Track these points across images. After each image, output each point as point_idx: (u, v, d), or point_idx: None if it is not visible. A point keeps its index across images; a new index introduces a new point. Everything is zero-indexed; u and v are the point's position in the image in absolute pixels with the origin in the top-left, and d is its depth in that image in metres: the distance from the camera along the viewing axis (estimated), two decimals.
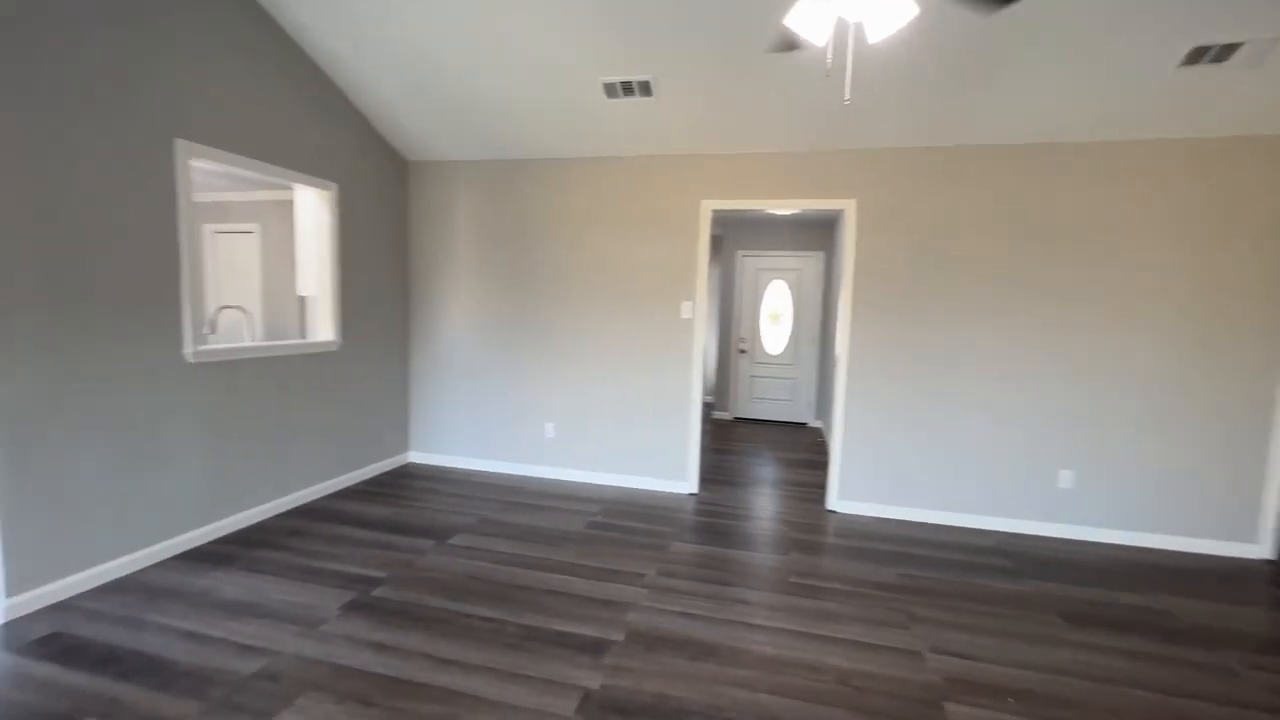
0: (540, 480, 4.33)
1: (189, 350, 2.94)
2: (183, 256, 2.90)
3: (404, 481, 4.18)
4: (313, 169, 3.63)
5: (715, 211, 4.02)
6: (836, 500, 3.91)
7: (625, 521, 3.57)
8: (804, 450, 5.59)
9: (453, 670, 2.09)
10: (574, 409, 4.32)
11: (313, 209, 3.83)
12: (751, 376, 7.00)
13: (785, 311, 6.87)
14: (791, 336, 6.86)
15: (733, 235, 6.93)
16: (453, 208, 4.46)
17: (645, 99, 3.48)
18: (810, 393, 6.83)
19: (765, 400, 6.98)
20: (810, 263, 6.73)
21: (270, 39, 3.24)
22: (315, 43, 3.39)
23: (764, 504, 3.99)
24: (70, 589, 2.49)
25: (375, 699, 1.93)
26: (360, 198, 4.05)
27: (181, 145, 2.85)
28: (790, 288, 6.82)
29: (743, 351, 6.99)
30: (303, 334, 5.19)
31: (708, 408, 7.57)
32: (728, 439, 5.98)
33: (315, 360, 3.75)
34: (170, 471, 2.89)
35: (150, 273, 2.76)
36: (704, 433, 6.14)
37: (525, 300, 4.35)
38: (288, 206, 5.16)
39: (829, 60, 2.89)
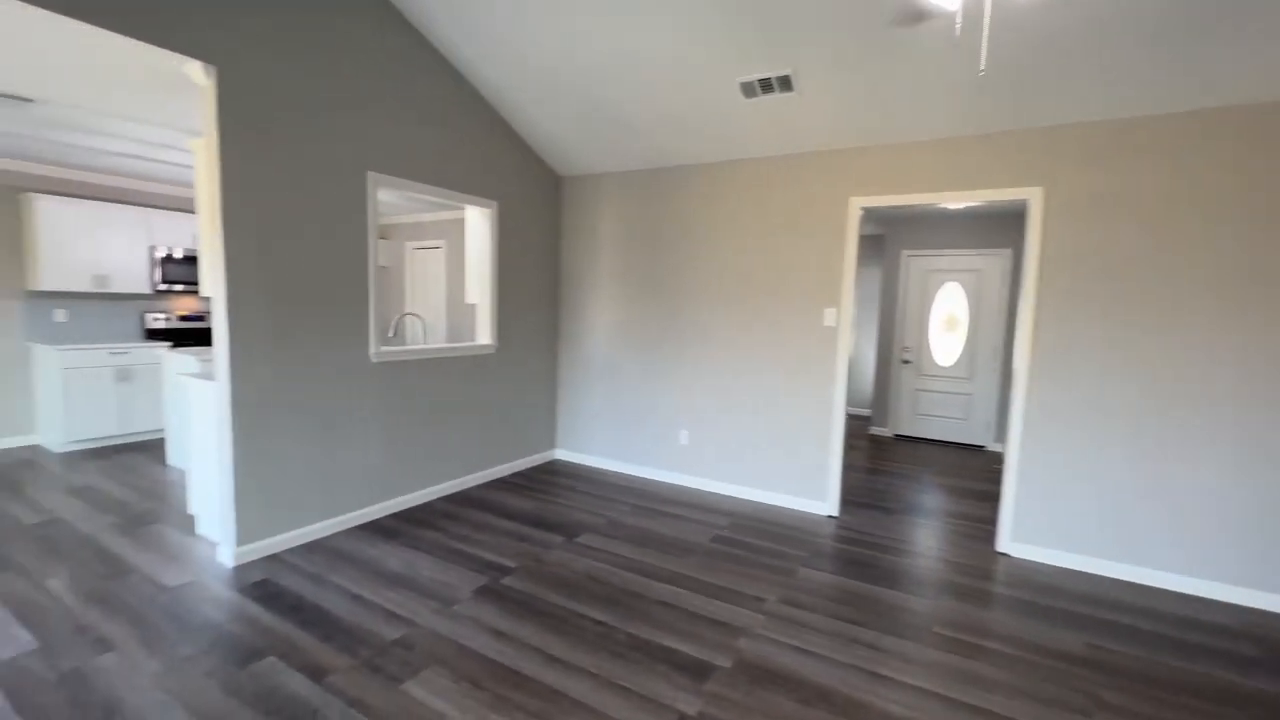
0: (673, 487, 4.33)
1: (373, 351, 3.44)
2: (370, 272, 3.40)
3: (547, 477, 4.46)
4: (476, 189, 4.04)
5: (867, 209, 3.67)
6: (1009, 541, 3.33)
7: (753, 539, 3.41)
8: (976, 478, 4.87)
9: (557, 669, 2.16)
10: (708, 417, 4.25)
11: (477, 225, 4.27)
12: (917, 390, 6.29)
13: (961, 318, 6.06)
14: (967, 346, 6.03)
15: (897, 234, 6.30)
16: (597, 218, 4.66)
17: (785, 95, 3.30)
18: (989, 410, 5.93)
19: (933, 417, 6.22)
20: (993, 262, 5.85)
21: (441, 75, 3.67)
22: (478, 75, 3.77)
23: (917, 536, 3.55)
24: (281, 545, 3.06)
25: (485, 683, 2.06)
26: (517, 213, 4.41)
27: (371, 176, 3.35)
28: (967, 291, 6.00)
29: (906, 362, 6.31)
30: (473, 338, 5.81)
31: (862, 422, 6.98)
32: (884, 458, 5.44)
33: (475, 362, 4.16)
34: (357, 454, 3.41)
35: (347, 286, 3.28)
36: (855, 449, 5.66)
37: (663, 307, 4.39)
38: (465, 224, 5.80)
39: (958, 25, 2.48)
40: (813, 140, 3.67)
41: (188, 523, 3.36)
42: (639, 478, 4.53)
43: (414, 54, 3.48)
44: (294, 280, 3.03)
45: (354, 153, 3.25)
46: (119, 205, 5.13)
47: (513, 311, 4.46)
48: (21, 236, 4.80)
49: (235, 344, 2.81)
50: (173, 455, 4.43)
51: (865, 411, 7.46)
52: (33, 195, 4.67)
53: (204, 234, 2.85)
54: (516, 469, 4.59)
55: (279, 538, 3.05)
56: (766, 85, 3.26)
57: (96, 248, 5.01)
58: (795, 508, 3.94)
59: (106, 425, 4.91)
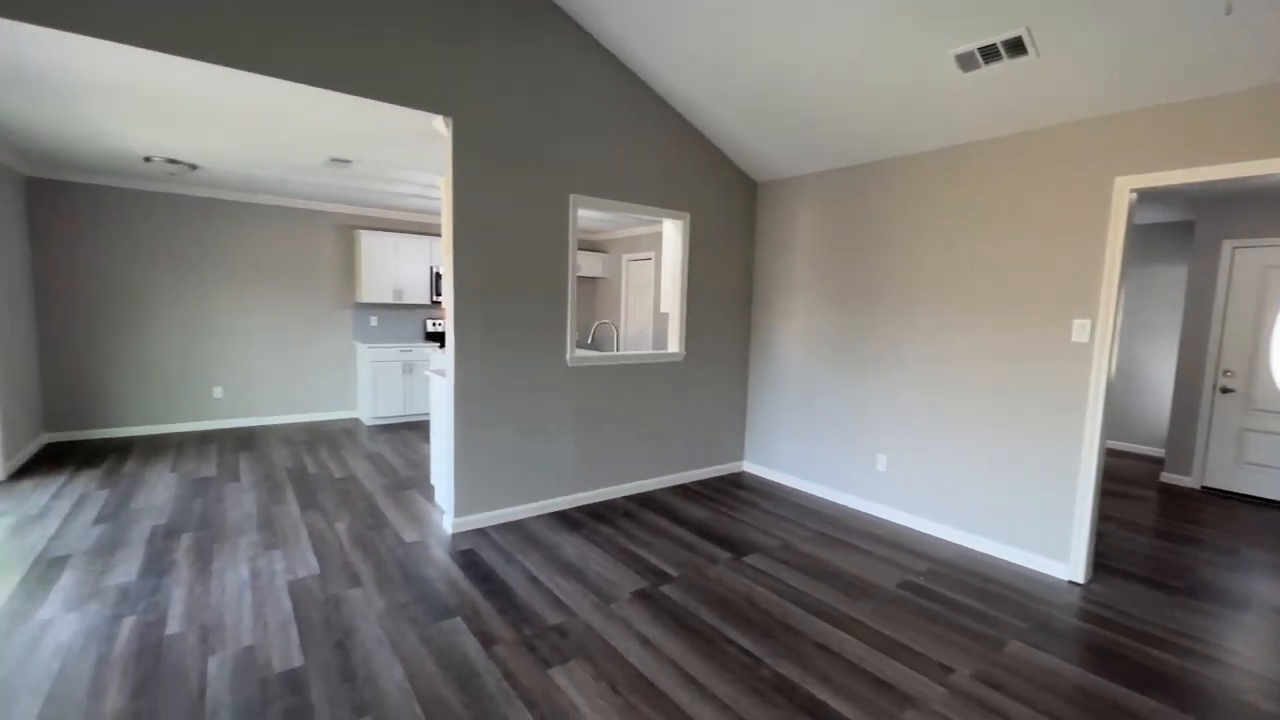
0: (865, 517, 3.89)
1: (568, 357, 3.79)
2: (569, 284, 3.75)
3: (730, 489, 4.38)
4: (668, 202, 4.17)
5: (1143, 191, 2.82)
6: None
7: (954, 593, 2.88)
8: None
9: (692, 691, 2.10)
10: (912, 442, 3.72)
11: (670, 237, 4.40)
12: (1243, 429, 4.62)
13: None
14: None
15: (1214, 219, 4.71)
16: (793, 224, 4.43)
17: (1015, 60, 2.72)
18: None
19: (1269, 469, 4.50)
20: None
21: (636, 94, 3.88)
22: (671, 89, 3.89)
23: (1212, 632, 2.60)
24: (487, 521, 3.55)
25: (620, 688, 2.10)
26: (709, 223, 4.43)
27: (573, 199, 3.70)
28: None
29: (1227, 390, 4.68)
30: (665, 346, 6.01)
31: (1151, 466, 5.40)
32: (1179, 516, 4.11)
33: (664, 369, 4.30)
34: (553, 449, 3.79)
35: (549, 297, 3.67)
36: (1133, 501, 4.40)
37: (862, 317, 3.98)
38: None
39: None
40: (1056, 112, 2.95)
41: (430, 492, 4.13)
42: (827, 501, 4.17)
43: (610, 76, 3.74)
44: (505, 292, 3.49)
45: (559, 177, 3.62)
46: (411, 235, 6.55)
47: (703, 321, 4.49)
48: (353, 262, 6.44)
49: (459, 347, 3.36)
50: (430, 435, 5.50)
51: (1156, 452, 5.74)
52: (359, 230, 6.23)
53: (444, 255, 3.47)
54: (701, 477, 4.61)
55: (486, 514, 3.55)
56: (990, 53, 2.73)
57: (397, 269, 6.47)
58: (1020, 563, 3.22)
59: (396, 407, 6.30)
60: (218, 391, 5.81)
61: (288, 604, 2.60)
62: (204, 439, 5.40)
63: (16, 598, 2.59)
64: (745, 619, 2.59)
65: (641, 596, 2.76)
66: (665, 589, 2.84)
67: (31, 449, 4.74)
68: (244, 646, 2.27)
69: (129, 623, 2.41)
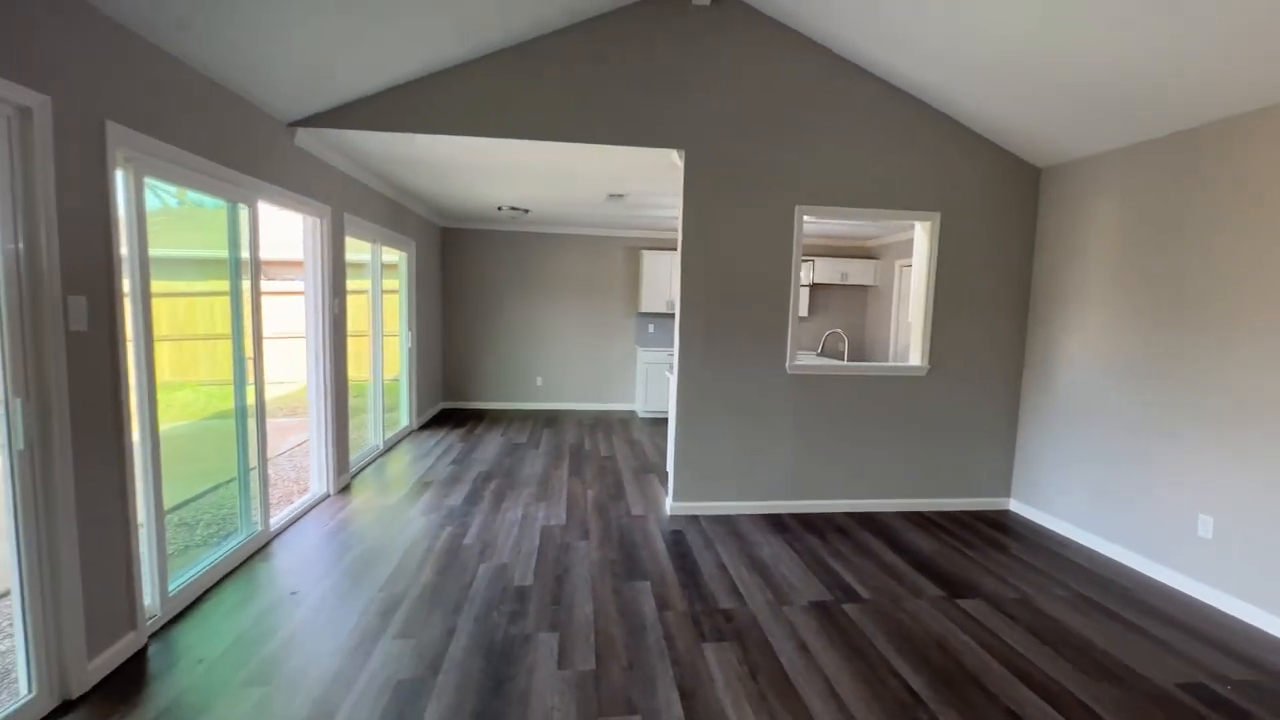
0: (1166, 591, 2.93)
1: (788, 364, 3.87)
2: (792, 292, 3.83)
3: (979, 527, 3.79)
4: (913, 202, 3.86)
5: None
6: None
7: None
8: None
9: (830, 705, 2.05)
10: (1256, 504, 2.67)
11: (920, 240, 4.05)
12: None
13: None
14: None
15: None
16: (1086, 215, 3.59)
17: None
18: None
19: None
20: None
21: (874, 94, 3.72)
22: (918, 83, 3.62)
23: None
24: (700, 510, 3.89)
25: (760, 678, 2.19)
26: (966, 222, 3.92)
27: (798, 210, 3.78)
28: None
29: None
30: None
31: None
32: None
33: (901, 384, 3.99)
34: (771, 454, 3.92)
35: (769, 304, 3.83)
36: None
37: (1184, 335, 3.01)
38: None
39: None
40: None
41: (665, 477, 4.68)
42: (1115, 562, 3.26)
43: (837, 81, 3.69)
44: (727, 299, 3.79)
45: (783, 190, 3.75)
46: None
47: (955, 333, 3.99)
48: (637, 277, 7.56)
49: (682, 349, 3.79)
50: None
51: None
52: (643, 250, 7.30)
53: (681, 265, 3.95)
54: (945, 508, 4.09)
55: (700, 504, 3.90)
56: None
57: (671, 282, 7.35)
58: None
59: (661, 402, 7.16)
60: (539, 380, 7.55)
61: (537, 541, 3.39)
62: (527, 416, 7.10)
63: (400, 501, 4.00)
64: (925, 658, 2.34)
65: (818, 607, 2.73)
66: (847, 607, 2.73)
67: (433, 411, 7.00)
68: (501, 563, 3.10)
69: (447, 530, 3.52)
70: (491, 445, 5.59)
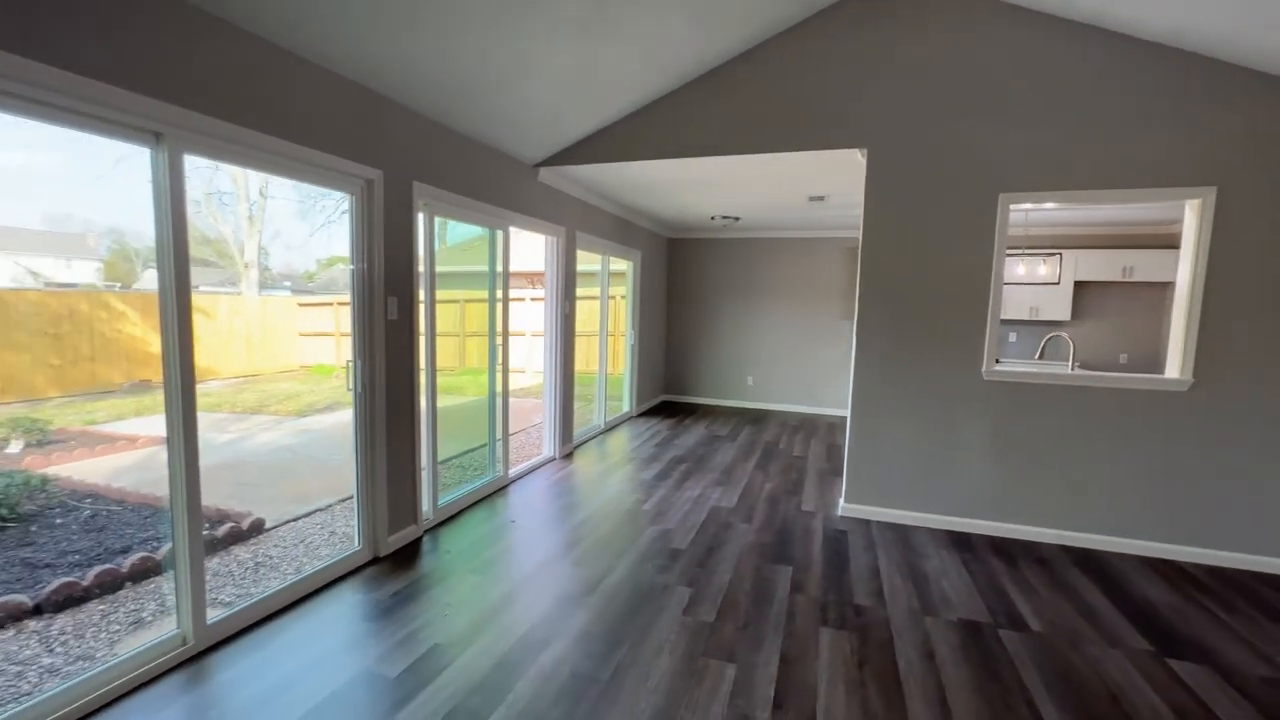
0: None
1: (984, 369, 3.51)
2: (991, 290, 3.48)
3: (1267, 593, 2.91)
4: (1171, 178, 3.15)
5: None
6: None
7: None
8: None
9: (936, 717, 2.00)
10: None
11: (1188, 223, 3.27)
12: None
13: None
14: None
15: None
16: None
17: None
18: None
19: None
20: None
21: (1102, 50, 3.15)
22: (1170, 28, 2.98)
23: None
24: (871, 514, 3.78)
25: (866, 671, 2.22)
26: (1257, 195, 3.03)
27: (1003, 198, 3.42)
28: None
29: None
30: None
31: None
32: None
33: (1150, 400, 3.28)
34: (961, 466, 3.61)
35: (964, 303, 3.54)
36: None
37: None
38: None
39: None
40: None
41: None
42: None
43: (1060, 45, 3.21)
44: (911, 298, 3.62)
45: (983, 180, 3.43)
46: None
47: (1234, 337, 3.12)
48: (855, 279, 7.31)
49: (860, 349, 3.75)
50: None
51: None
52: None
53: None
54: (1211, 561, 3.21)
55: (873, 509, 3.78)
56: None
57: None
58: None
59: None
60: (750, 379, 7.85)
61: (703, 516, 3.77)
62: (735, 413, 7.47)
63: (604, 469, 4.78)
64: (1083, 706, 2.05)
65: (968, 625, 2.54)
66: (1006, 633, 2.48)
67: (654, 401, 7.86)
68: (667, 528, 3.56)
69: (634, 496, 4.13)
70: (694, 435, 6.12)
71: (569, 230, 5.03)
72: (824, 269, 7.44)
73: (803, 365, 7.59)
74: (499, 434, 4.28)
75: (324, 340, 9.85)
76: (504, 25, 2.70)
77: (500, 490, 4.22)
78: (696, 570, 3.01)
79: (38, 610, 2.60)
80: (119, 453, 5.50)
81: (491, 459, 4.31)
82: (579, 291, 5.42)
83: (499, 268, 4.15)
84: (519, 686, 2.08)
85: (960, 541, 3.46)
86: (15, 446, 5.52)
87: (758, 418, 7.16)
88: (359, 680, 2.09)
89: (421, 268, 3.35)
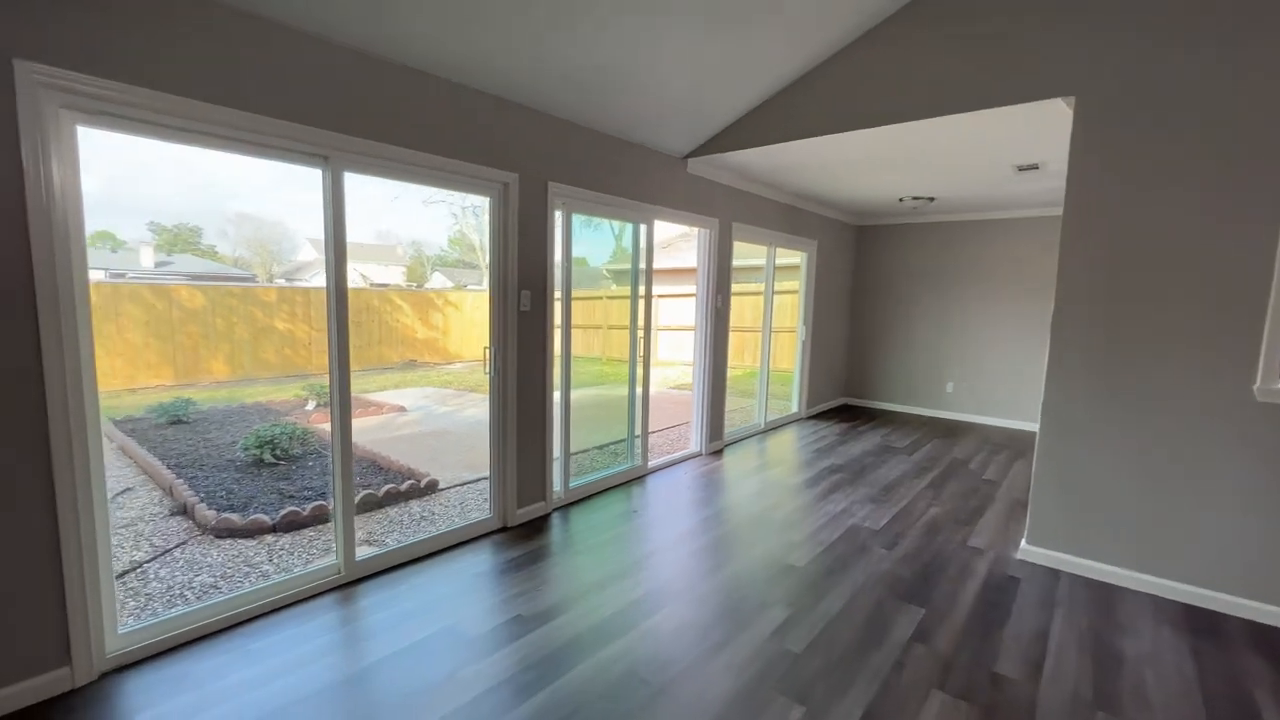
0: None
1: (1258, 387, 2.50)
2: (1275, 284, 2.46)
3: None
4: None
5: None
6: None
7: None
8: None
9: None
10: None
11: None
12: None
13: None
14: None
15: None
16: None
17: None
18: None
19: None
20: None
21: None
22: None
23: None
24: (1064, 564, 2.96)
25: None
26: None
27: None
28: None
29: None
30: None
31: None
32: None
33: None
34: (1202, 513, 2.64)
35: (1222, 295, 2.56)
36: None
37: None
38: None
39: None
40: None
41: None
42: None
43: None
44: (1130, 290, 2.74)
45: (1264, 130, 2.43)
46: None
47: None
48: None
49: (1054, 355, 2.96)
50: None
51: None
52: None
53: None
54: None
55: (1067, 557, 2.96)
56: None
57: None
58: None
59: None
60: (949, 386, 6.76)
61: (837, 534, 3.37)
62: (924, 423, 6.51)
63: (748, 470, 4.56)
64: None
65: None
66: None
67: (830, 404, 7.26)
68: (790, 540, 3.26)
69: (768, 500, 3.87)
70: (864, 444, 5.50)
71: (723, 221, 4.89)
72: (1042, 254, 6.04)
73: (1015, 371, 6.29)
74: (638, 428, 4.37)
75: (593, 332, 11.33)
76: (633, 17, 2.72)
77: (638, 479, 4.31)
78: (804, 591, 2.70)
79: (273, 529, 3.44)
80: (369, 416, 6.95)
81: (630, 449, 4.42)
82: (743, 287, 5.25)
83: (642, 263, 4.22)
84: (569, 675, 2.10)
85: (1199, 621, 2.53)
86: (310, 405, 7.36)
87: (952, 430, 6.14)
88: (445, 632, 2.33)
89: (558, 260, 3.56)
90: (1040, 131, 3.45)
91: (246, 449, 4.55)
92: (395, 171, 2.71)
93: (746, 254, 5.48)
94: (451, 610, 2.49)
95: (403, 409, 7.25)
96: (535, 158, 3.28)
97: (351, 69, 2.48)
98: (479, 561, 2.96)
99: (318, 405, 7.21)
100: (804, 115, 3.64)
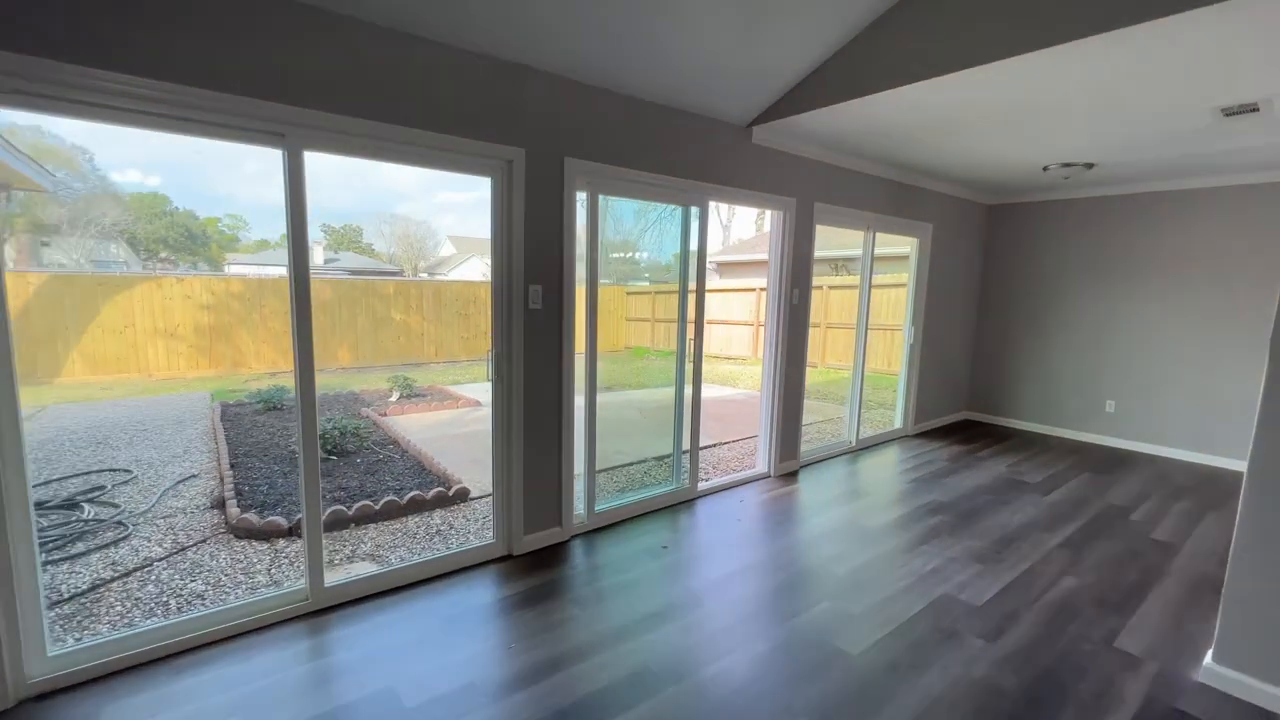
0: None
1: None
2: None
3: None
4: None
5: None
6: None
7: None
8: None
9: None
10: None
11: None
12: None
13: None
14: None
15: None
16: None
17: None
18: None
19: None
20: None
21: None
22: None
23: None
24: (1271, 699, 1.92)
25: None
26: None
27: None
28: None
29: None
30: None
31: None
32: None
33: None
34: None
35: None
36: None
37: None
38: None
39: None
40: None
41: None
42: None
43: None
44: None
45: None
46: None
47: None
48: None
49: (1267, 400, 1.93)
50: None
51: None
52: None
53: None
54: None
55: (1276, 690, 1.93)
56: None
57: None
58: None
59: None
60: (1109, 405, 5.34)
61: (918, 606, 2.55)
62: (1073, 450, 5.18)
63: (822, 503, 3.77)
64: None
65: None
66: None
67: (947, 419, 6.08)
68: (849, 612, 2.50)
69: (836, 549, 3.10)
70: (982, 474, 4.42)
71: (802, 201, 4.09)
72: (1254, 237, 4.47)
73: (1207, 389, 4.77)
74: (685, 440, 3.76)
75: (644, 325, 10.99)
76: None
77: (685, 505, 3.72)
78: (848, 700, 1.98)
79: (289, 532, 3.31)
80: (444, 410, 6.96)
81: (675, 468, 3.83)
82: (833, 280, 4.42)
83: (693, 245, 3.59)
84: None
85: None
86: (394, 396, 7.56)
87: (1109, 463, 4.80)
88: (379, 697, 1.94)
89: (582, 250, 3.06)
90: (1258, 54, 2.33)
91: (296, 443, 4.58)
92: (368, 150, 2.35)
93: (837, 243, 4.61)
94: (403, 664, 2.10)
95: (478, 403, 7.21)
96: (547, 130, 2.80)
97: (310, 33, 2.15)
98: (467, 597, 2.56)
99: (400, 396, 7.39)
100: (902, 56, 2.80)
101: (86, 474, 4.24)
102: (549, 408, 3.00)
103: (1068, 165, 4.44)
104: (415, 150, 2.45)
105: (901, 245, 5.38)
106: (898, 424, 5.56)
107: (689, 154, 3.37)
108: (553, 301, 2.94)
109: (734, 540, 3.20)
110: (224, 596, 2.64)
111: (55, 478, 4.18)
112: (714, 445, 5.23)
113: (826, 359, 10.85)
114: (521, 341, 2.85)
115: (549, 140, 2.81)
